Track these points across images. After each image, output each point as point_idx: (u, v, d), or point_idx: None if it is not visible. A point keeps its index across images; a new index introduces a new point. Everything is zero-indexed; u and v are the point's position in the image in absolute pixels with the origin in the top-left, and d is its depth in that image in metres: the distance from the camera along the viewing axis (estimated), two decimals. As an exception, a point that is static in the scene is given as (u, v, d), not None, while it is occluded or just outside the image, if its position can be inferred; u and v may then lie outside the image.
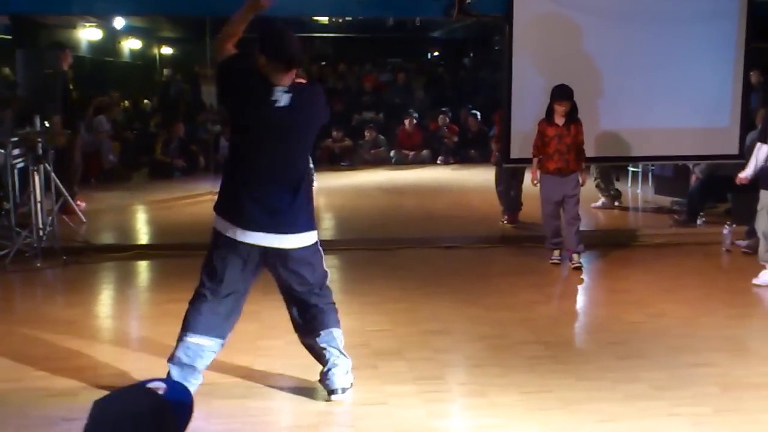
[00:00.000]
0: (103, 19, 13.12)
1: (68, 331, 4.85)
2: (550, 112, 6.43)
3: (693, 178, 8.30)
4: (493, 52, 14.89)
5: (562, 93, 6.32)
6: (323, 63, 16.65)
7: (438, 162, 13.04)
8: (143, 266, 6.73)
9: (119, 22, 13.70)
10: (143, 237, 7.95)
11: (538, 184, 6.55)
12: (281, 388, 3.98)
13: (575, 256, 6.43)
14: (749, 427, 3.51)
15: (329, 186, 10.37)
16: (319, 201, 9.61)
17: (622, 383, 3.98)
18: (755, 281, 5.85)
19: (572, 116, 6.39)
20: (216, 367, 4.22)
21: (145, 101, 14.98)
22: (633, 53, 7.43)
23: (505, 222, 7.93)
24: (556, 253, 6.57)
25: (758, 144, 5.89)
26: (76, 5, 7.99)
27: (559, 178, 6.42)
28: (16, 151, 6.98)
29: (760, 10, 7.55)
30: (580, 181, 6.49)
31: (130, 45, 16.73)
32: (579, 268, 6.36)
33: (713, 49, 7.56)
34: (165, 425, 1.82)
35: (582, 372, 4.14)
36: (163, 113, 13.20)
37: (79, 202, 8.33)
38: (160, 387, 1.89)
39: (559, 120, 6.37)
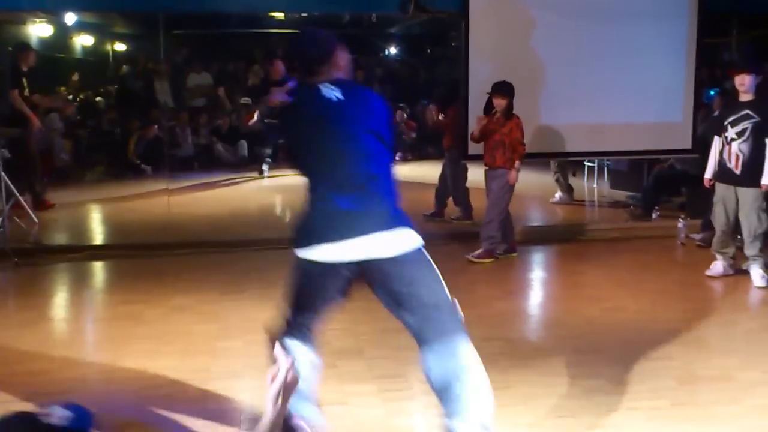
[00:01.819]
0: (53, 14, 12.82)
1: (20, 335, 4.72)
2: (488, 106, 6.52)
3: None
4: (450, 47, 14.93)
5: (499, 88, 6.38)
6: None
7: (396, 158, 13.01)
8: (97, 267, 6.59)
9: (70, 18, 13.40)
10: (97, 237, 7.79)
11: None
12: (241, 389, 3.92)
13: (478, 250, 6.45)
14: (706, 419, 3.56)
15: (287, 183, 10.29)
16: (275, 199, 9.55)
17: (581, 378, 4.01)
18: (708, 272, 5.96)
19: (508, 113, 6.42)
20: (173, 369, 4.15)
21: (98, 98, 14.69)
22: (588, 49, 7.51)
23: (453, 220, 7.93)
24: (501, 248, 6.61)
25: (714, 138, 5.97)
26: (25, 1, 7.80)
27: (489, 172, 6.52)
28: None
29: (712, 7, 7.68)
30: (508, 179, 6.43)
31: (82, 41, 16.39)
32: (472, 262, 6.40)
33: (666, 45, 7.67)
34: None
35: (541, 367, 4.17)
36: (119, 110, 12.96)
37: (49, 204, 8.27)
38: (63, 416, 1.73)
39: (496, 115, 6.45)
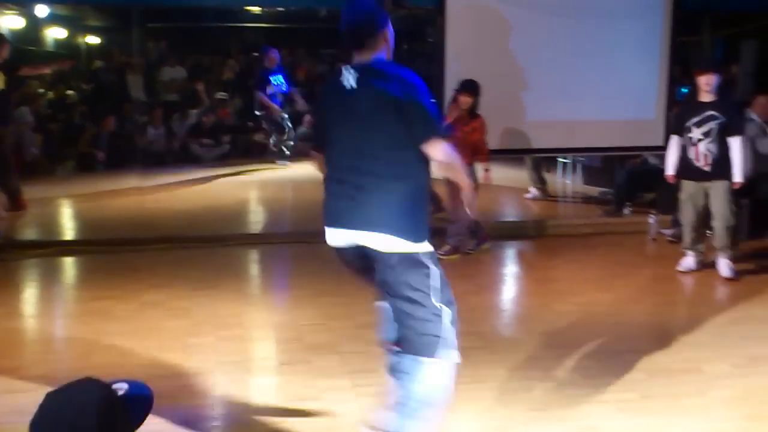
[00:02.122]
0: (25, 6, 12.67)
1: (-12, 332, 4.67)
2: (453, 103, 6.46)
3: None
4: (427, 43, 14.93)
5: (466, 86, 6.35)
6: (255, 54, 16.42)
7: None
8: (68, 263, 6.52)
9: (42, 10, 13.25)
10: (68, 232, 7.71)
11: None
12: (213, 386, 3.91)
13: (445, 247, 6.43)
14: (674, 411, 3.61)
15: (262, 179, 10.26)
16: (251, 194, 9.50)
17: (552, 371, 4.04)
18: (679, 268, 6.04)
19: (472, 112, 6.38)
20: (144, 365, 4.13)
21: (69, 92, 14.52)
22: (563, 46, 7.56)
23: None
24: (473, 244, 6.63)
25: (671, 137, 6.03)
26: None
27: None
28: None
29: (686, 5, 7.76)
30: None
31: (54, 34, 16.20)
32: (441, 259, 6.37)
33: (640, 43, 7.75)
34: (114, 419, 1.78)
35: (514, 362, 4.19)
36: (90, 104, 12.82)
37: (25, 204, 8.06)
38: (121, 387, 1.89)
39: (460, 113, 6.36)
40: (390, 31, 3.04)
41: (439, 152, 2.89)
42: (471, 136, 6.32)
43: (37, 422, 1.75)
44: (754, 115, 7.16)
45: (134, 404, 1.85)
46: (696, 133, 5.77)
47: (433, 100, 2.97)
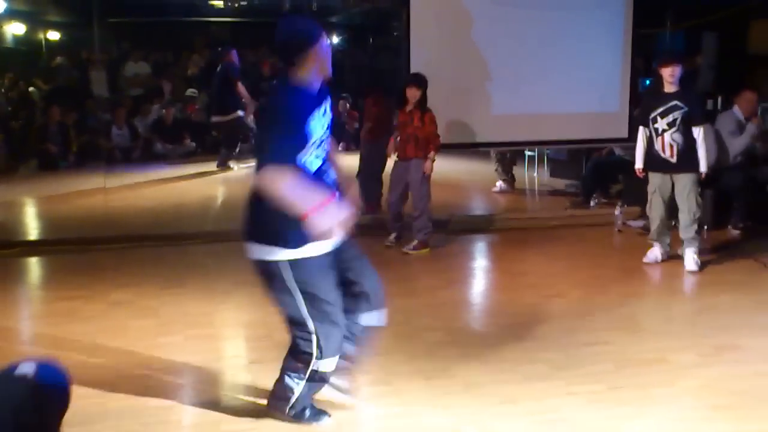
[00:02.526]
0: (-19, 2, 12.40)
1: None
2: (401, 98, 6.42)
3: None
4: (393, 37, 14.92)
5: (413, 79, 6.35)
6: (219, 48, 16.27)
7: (339, 148, 12.96)
8: (32, 263, 6.42)
9: (0, 6, 12.97)
10: (32, 232, 7.57)
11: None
12: (182, 385, 3.87)
13: (413, 242, 6.48)
14: (642, 401, 3.65)
15: (228, 176, 10.18)
16: (218, 191, 9.42)
17: (522, 365, 4.07)
18: (645, 260, 6.11)
19: (421, 106, 6.34)
20: (112, 365, 4.07)
21: (31, 89, 14.26)
22: (527, 39, 7.60)
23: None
24: (392, 236, 6.65)
25: (640, 128, 6.09)
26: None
27: (402, 164, 6.49)
28: None
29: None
30: (424, 170, 6.36)
31: (13, 29, 15.88)
32: (407, 254, 6.43)
33: (602, 35, 7.81)
34: (45, 410, 1.74)
35: (483, 355, 4.21)
36: (51, 101, 12.59)
37: None
38: (29, 371, 1.79)
39: (409, 107, 6.36)
40: (321, 49, 3.09)
41: (262, 179, 2.98)
42: (424, 130, 6.31)
43: None
44: (737, 110, 7.22)
45: (56, 393, 1.80)
46: (661, 124, 5.83)
47: (290, 125, 3.03)
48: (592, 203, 8.03)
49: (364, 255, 3.43)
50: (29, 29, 16.31)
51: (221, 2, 14.69)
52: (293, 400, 3.35)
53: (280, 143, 2.98)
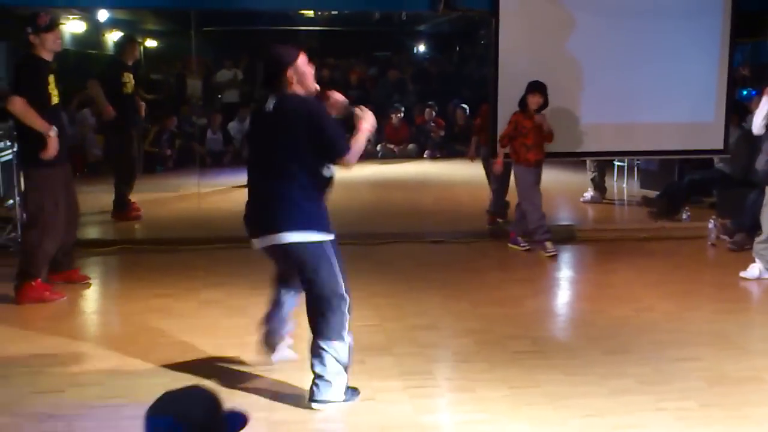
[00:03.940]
0: (86, 11, 13.00)
1: (51, 327, 4.82)
2: (523, 103, 6.64)
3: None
4: (480, 46, 14.88)
5: (536, 86, 6.57)
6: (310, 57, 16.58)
7: (425, 156, 13.03)
8: (128, 261, 6.68)
9: (103, 15, 13.58)
10: (129, 232, 7.88)
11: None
12: (270, 384, 3.97)
13: (549, 244, 6.59)
14: (734, 421, 3.53)
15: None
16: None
17: (609, 378, 4.00)
18: (743, 274, 5.88)
19: (542, 110, 6.64)
20: (202, 363, 4.21)
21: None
22: (618, 48, 7.45)
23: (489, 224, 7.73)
24: (550, 244, 6.64)
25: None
26: (59, -2, 7.94)
27: (536, 170, 6.66)
28: (0, 144, 6.92)
29: (745, 5, 7.59)
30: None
31: (114, 37, 16.58)
32: (555, 256, 6.56)
33: (698, 45, 7.59)
34: (221, 427, 2.00)
35: (569, 367, 4.16)
36: (154, 108, 13.12)
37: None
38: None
39: (533, 113, 6.60)
40: (296, 70, 3.63)
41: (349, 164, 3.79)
42: (542, 130, 6.60)
43: (149, 415, 1.94)
44: None
45: (233, 420, 2.05)
46: None
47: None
48: (684, 216, 7.80)
49: None
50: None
51: (311, 12, 14.97)
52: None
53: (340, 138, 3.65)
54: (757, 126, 5.91)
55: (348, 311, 3.69)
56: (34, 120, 5.10)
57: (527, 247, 6.74)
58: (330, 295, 3.61)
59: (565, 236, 7.26)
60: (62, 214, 5.36)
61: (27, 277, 5.28)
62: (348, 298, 3.68)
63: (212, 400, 2.02)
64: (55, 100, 5.29)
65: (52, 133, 5.12)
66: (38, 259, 5.31)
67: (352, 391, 3.74)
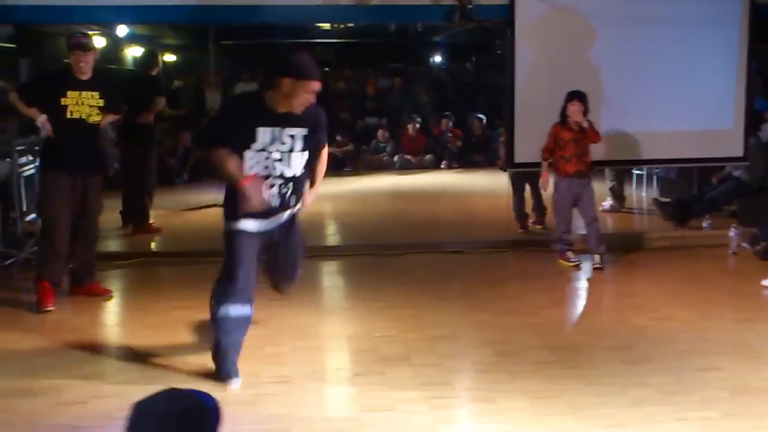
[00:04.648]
0: (106, 27, 13.16)
1: (74, 339, 4.86)
2: (563, 115, 6.55)
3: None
4: (496, 56, 14.89)
5: (574, 94, 6.48)
6: (326, 69, 16.67)
7: (442, 166, 13.04)
8: (148, 274, 6.73)
9: (122, 30, 13.73)
10: (148, 245, 7.95)
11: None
12: (288, 395, 3.98)
13: (597, 256, 6.53)
14: (757, 431, 3.50)
15: (333, 191, 10.37)
16: (324, 207, 9.62)
17: (630, 388, 3.97)
18: (764, 282, 5.83)
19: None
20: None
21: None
22: (635, 56, 7.43)
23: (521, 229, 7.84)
24: (571, 254, 6.65)
25: None
26: (78, 15, 8.01)
27: (579, 180, 6.57)
28: (23, 159, 7.01)
29: (763, 13, 7.55)
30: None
31: (133, 53, 16.76)
32: (601, 268, 6.46)
33: (716, 52, 7.56)
34: (205, 424, 1.90)
35: (590, 377, 4.14)
36: (171, 122, 13.23)
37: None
38: (193, 393, 1.99)
39: (574, 123, 6.49)
40: (289, 85, 3.83)
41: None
42: (587, 140, 6.53)
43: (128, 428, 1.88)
44: None
45: (213, 415, 1.94)
46: None
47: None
48: (704, 224, 7.75)
49: None
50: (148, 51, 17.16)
51: (328, 24, 15.06)
52: None
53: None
54: None
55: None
56: (22, 109, 5.56)
57: (577, 263, 6.65)
58: None
59: (584, 245, 7.22)
60: (64, 222, 5.50)
61: (36, 274, 5.59)
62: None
63: (187, 401, 1.97)
64: (75, 114, 5.52)
65: (41, 119, 5.48)
66: (39, 259, 5.64)
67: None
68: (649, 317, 5.16)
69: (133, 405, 1.90)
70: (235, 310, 4.05)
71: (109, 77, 6.82)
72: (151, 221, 8.12)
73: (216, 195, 9.39)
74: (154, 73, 8.38)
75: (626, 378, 4.11)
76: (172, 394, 1.96)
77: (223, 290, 4.08)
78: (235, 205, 3.97)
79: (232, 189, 3.97)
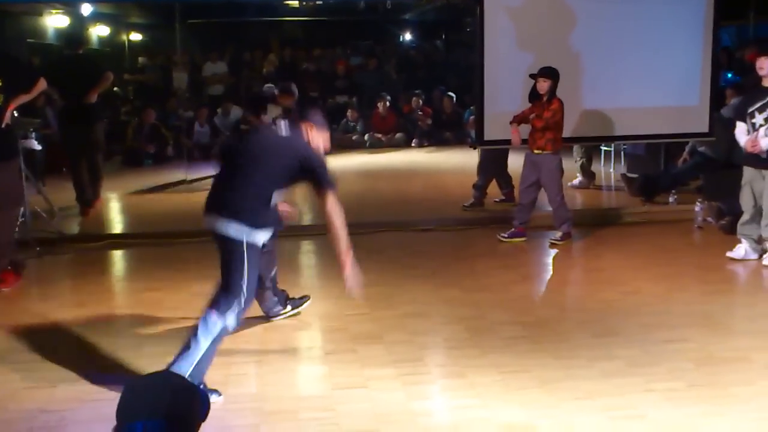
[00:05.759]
0: (69, 5, 12.92)
1: (43, 323, 4.81)
2: (533, 93, 6.55)
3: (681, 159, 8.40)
4: (466, 33, 14.88)
5: (540, 71, 6.44)
6: (295, 47, 16.53)
7: (412, 144, 13.05)
8: (118, 256, 6.68)
9: (86, 9, 13.49)
10: (116, 226, 7.88)
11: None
12: (260, 375, 3.98)
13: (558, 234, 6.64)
14: (723, 400, 3.58)
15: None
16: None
17: (598, 361, 4.04)
18: (730, 254, 5.95)
19: (550, 95, 6.45)
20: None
21: (115, 89, 14.79)
22: (603, 33, 7.49)
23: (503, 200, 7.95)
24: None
25: (738, 123, 5.92)
26: (42, -7, 7.89)
27: (533, 156, 6.57)
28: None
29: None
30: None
31: (98, 32, 16.49)
32: (555, 245, 6.53)
33: (683, 29, 7.64)
34: (194, 403, 1.96)
35: (558, 351, 4.20)
36: (136, 101, 13.08)
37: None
38: (185, 378, 2.15)
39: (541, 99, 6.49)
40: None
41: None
42: (553, 119, 6.42)
43: (120, 408, 1.93)
44: None
45: (202, 398, 2.02)
46: (758, 119, 5.69)
47: None
48: (670, 199, 7.85)
49: None
50: (113, 31, 16.89)
51: (296, 2, 14.93)
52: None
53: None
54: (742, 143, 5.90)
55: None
56: None
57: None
58: None
59: (552, 222, 7.29)
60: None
61: None
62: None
63: (178, 379, 2.03)
64: None
65: None
66: None
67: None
68: (617, 291, 5.24)
69: (128, 380, 2.00)
70: (234, 323, 3.79)
71: (12, 57, 6.32)
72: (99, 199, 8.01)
73: (185, 175, 9.37)
74: (80, 51, 8.04)
75: (594, 351, 4.17)
76: (166, 373, 2.15)
77: (229, 303, 3.76)
78: (267, 217, 3.84)
79: (266, 199, 3.82)
